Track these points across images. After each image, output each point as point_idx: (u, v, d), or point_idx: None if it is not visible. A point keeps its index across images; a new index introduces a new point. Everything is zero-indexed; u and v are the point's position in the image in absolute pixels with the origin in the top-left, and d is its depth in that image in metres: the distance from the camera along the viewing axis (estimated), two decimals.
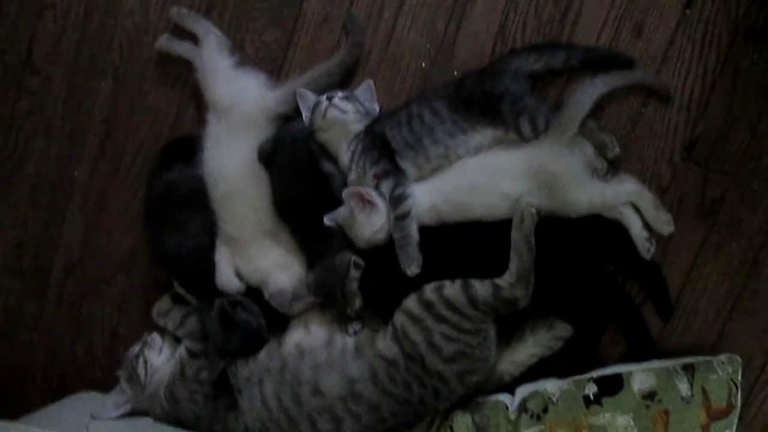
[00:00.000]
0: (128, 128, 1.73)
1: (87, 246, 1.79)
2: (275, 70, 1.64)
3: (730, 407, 1.35)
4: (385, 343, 1.43)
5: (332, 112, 1.48)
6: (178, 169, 1.62)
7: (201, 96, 1.61)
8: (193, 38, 1.63)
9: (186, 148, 1.62)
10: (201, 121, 1.61)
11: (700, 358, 1.39)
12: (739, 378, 1.37)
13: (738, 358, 1.38)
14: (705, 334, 1.47)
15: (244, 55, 1.64)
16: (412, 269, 1.41)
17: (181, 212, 1.60)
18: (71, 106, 1.76)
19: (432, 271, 1.41)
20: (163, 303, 1.67)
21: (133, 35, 1.71)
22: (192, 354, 1.56)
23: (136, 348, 1.62)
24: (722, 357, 1.38)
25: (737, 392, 1.36)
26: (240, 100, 1.55)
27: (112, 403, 1.60)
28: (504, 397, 1.47)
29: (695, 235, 1.45)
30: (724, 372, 1.36)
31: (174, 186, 1.60)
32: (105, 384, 1.73)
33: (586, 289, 1.44)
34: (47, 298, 1.83)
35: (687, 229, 1.45)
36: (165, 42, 1.66)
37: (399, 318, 1.42)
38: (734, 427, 1.35)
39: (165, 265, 1.68)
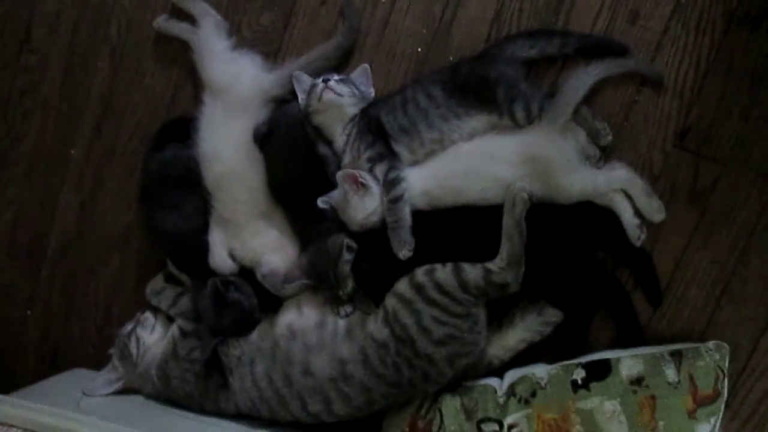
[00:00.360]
0: (125, 108, 1.74)
1: (82, 225, 1.79)
2: (272, 52, 1.64)
3: (717, 393, 1.36)
4: (376, 326, 1.43)
5: (328, 95, 1.48)
6: (173, 149, 1.62)
7: (197, 76, 1.62)
8: (191, 19, 1.64)
9: (182, 129, 1.62)
10: (197, 101, 1.62)
11: (688, 345, 1.40)
12: (727, 365, 1.38)
13: (726, 345, 1.39)
14: (694, 321, 1.47)
15: (241, 37, 1.64)
16: (404, 253, 1.41)
17: (177, 192, 1.60)
18: (68, 85, 1.76)
19: (424, 255, 1.42)
20: (157, 282, 1.68)
21: (131, 15, 1.71)
22: (184, 333, 1.57)
23: (129, 326, 1.63)
24: (710, 344, 1.39)
25: (724, 379, 1.37)
26: (236, 82, 1.55)
27: (103, 380, 1.61)
28: (493, 381, 1.47)
29: (686, 222, 1.46)
30: (712, 359, 1.37)
31: (170, 166, 1.61)
32: (97, 362, 1.73)
33: (577, 275, 1.45)
34: (42, 277, 1.83)
35: (678, 217, 1.45)
36: (163, 22, 1.67)
37: (390, 301, 1.43)
38: (721, 413, 1.36)
39: (160, 244, 1.69)
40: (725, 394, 1.37)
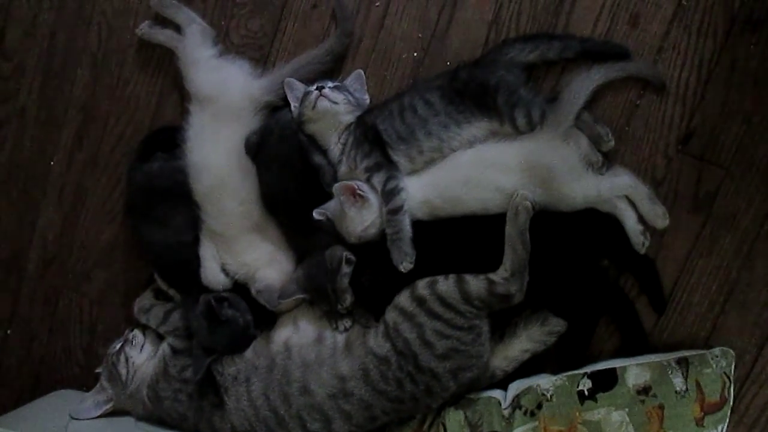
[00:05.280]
0: (107, 117, 1.68)
1: (64, 239, 1.74)
2: (261, 58, 1.60)
3: (723, 400, 1.36)
4: (376, 341, 1.41)
5: (322, 103, 1.44)
6: (159, 160, 1.57)
7: (183, 84, 1.57)
8: (176, 25, 1.59)
9: (168, 139, 1.57)
10: (183, 110, 1.57)
11: (694, 352, 1.40)
12: (733, 371, 1.38)
13: (731, 351, 1.39)
14: (698, 328, 1.47)
15: (229, 42, 1.60)
16: (405, 265, 1.38)
17: (164, 205, 1.56)
18: (47, 94, 1.70)
19: (425, 267, 1.39)
20: (145, 299, 1.64)
21: (112, 20, 1.66)
22: (176, 351, 1.54)
23: (117, 345, 1.59)
24: (716, 350, 1.39)
25: (730, 385, 1.37)
26: (224, 90, 1.51)
27: (92, 402, 1.57)
28: (497, 394, 1.46)
29: (689, 228, 1.45)
30: (718, 366, 1.37)
31: (156, 178, 1.56)
32: (84, 382, 1.70)
33: (580, 284, 1.43)
34: (22, 293, 1.78)
35: (681, 222, 1.45)
36: (146, 29, 1.62)
37: (391, 314, 1.40)
38: (727, 419, 1.36)
39: (149, 259, 1.64)
40: (731, 401, 1.37)
